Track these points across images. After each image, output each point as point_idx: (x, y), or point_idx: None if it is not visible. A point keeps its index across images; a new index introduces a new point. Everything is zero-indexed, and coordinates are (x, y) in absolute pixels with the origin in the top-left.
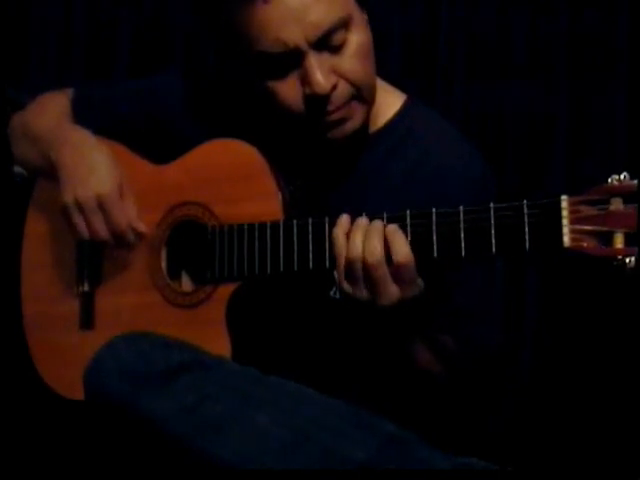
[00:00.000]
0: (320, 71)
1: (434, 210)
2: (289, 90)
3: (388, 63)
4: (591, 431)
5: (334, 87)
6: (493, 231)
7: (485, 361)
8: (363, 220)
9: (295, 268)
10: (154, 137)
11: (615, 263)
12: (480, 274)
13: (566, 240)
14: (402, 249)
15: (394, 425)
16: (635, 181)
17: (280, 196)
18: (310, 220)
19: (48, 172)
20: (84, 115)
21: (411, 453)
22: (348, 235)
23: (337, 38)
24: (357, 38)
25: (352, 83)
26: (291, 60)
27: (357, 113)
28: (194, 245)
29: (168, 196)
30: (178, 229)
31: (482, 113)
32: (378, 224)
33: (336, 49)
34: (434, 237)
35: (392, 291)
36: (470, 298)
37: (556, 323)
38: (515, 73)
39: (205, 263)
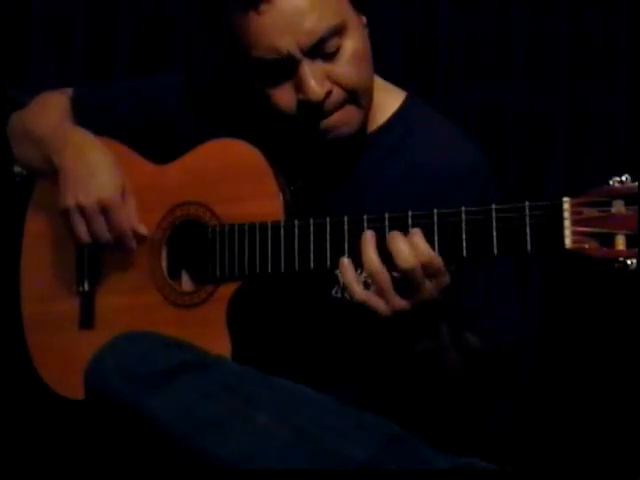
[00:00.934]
0: (313, 78)
1: (435, 211)
2: (284, 96)
3: (388, 63)
4: (591, 431)
5: (328, 93)
6: (495, 232)
7: (505, 353)
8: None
9: (296, 268)
10: (154, 137)
11: (616, 265)
12: (497, 265)
13: (567, 242)
14: (425, 246)
15: (395, 425)
16: (636, 183)
17: (281, 197)
18: (311, 220)
19: (49, 173)
20: (84, 115)
21: (412, 453)
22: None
23: (331, 45)
24: (352, 44)
25: (347, 89)
26: (285, 67)
27: (353, 118)
28: (195, 245)
29: (169, 196)
30: (179, 229)
31: (482, 113)
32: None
33: (330, 56)
34: (436, 238)
35: (429, 287)
36: (488, 291)
37: (557, 324)
38: (515, 73)
39: (206, 263)
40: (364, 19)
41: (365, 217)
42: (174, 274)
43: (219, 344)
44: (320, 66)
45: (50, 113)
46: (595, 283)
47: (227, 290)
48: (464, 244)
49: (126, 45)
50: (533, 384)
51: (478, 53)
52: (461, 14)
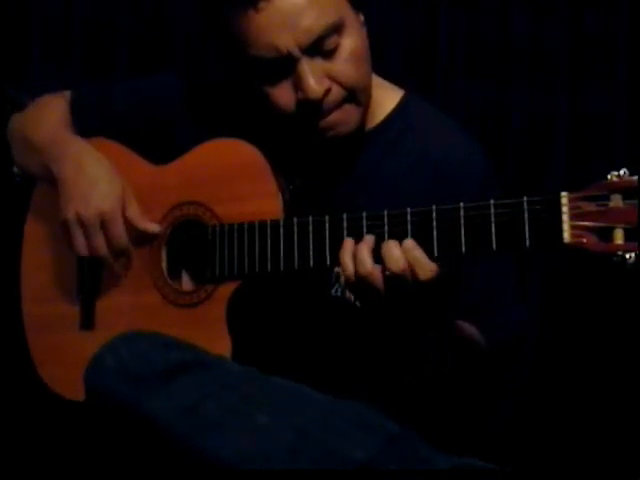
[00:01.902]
0: (312, 76)
1: (434, 207)
2: (283, 94)
3: (388, 62)
4: (591, 431)
5: (327, 91)
6: (493, 228)
7: (506, 348)
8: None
9: (296, 266)
10: (154, 137)
11: (615, 259)
12: (497, 262)
13: (566, 236)
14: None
15: (395, 425)
16: (635, 177)
17: (281, 196)
18: (310, 219)
19: (48, 179)
20: (83, 116)
21: (412, 453)
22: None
23: (329, 43)
24: (350, 42)
25: (346, 87)
26: (284, 65)
27: (352, 116)
28: (194, 245)
29: (168, 196)
30: (178, 229)
31: (482, 113)
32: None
33: (329, 54)
34: (434, 234)
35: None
36: (488, 286)
37: (556, 321)
38: (515, 73)
39: (205, 262)
40: (362, 17)
41: (364, 215)
42: (174, 274)
43: (219, 343)
44: (319, 64)
45: (49, 119)
46: (594, 280)
47: (227, 289)
48: (463, 240)
49: (126, 45)
50: (533, 384)
51: (478, 53)
52: (461, 14)
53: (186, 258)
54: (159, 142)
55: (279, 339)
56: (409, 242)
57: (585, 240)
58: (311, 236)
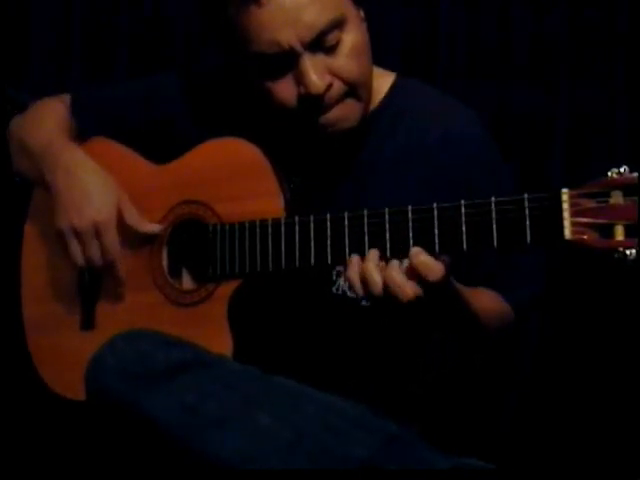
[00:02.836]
0: (314, 72)
1: (435, 205)
2: (285, 90)
3: (388, 61)
4: (591, 431)
5: (329, 87)
6: (494, 225)
7: (523, 309)
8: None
9: (297, 265)
10: (154, 137)
11: (616, 255)
12: None
13: (567, 233)
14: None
15: (395, 425)
16: (635, 174)
17: (282, 195)
18: (311, 217)
19: (44, 185)
20: (84, 117)
21: (412, 453)
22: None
23: (331, 38)
24: (352, 37)
25: (347, 82)
26: (286, 61)
27: (352, 112)
28: (195, 243)
29: (169, 195)
30: (179, 228)
31: (482, 113)
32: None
33: (331, 49)
34: (435, 231)
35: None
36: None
37: (557, 319)
38: (515, 73)
39: (206, 261)
40: (362, 13)
41: (365, 213)
42: (175, 273)
43: (220, 342)
44: (320, 59)
45: (45, 125)
46: (595, 278)
47: (228, 288)
48: (464, 237)
49: (126, 45)
50: (534, 384)
51: (478, 52)
52: (461, 13)
53: (187, 257)
54: (159, 142)
55: (280, 338)
56: (414, 249)
57: (586, 236)
58: (312, 235)
